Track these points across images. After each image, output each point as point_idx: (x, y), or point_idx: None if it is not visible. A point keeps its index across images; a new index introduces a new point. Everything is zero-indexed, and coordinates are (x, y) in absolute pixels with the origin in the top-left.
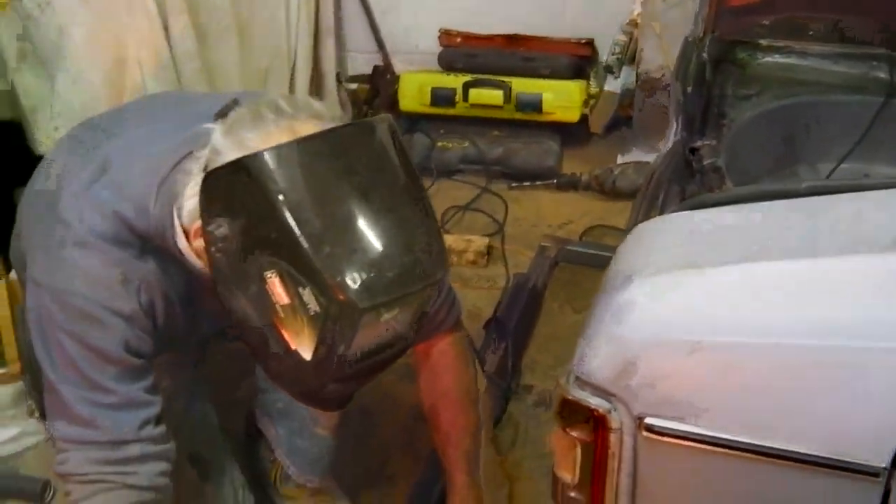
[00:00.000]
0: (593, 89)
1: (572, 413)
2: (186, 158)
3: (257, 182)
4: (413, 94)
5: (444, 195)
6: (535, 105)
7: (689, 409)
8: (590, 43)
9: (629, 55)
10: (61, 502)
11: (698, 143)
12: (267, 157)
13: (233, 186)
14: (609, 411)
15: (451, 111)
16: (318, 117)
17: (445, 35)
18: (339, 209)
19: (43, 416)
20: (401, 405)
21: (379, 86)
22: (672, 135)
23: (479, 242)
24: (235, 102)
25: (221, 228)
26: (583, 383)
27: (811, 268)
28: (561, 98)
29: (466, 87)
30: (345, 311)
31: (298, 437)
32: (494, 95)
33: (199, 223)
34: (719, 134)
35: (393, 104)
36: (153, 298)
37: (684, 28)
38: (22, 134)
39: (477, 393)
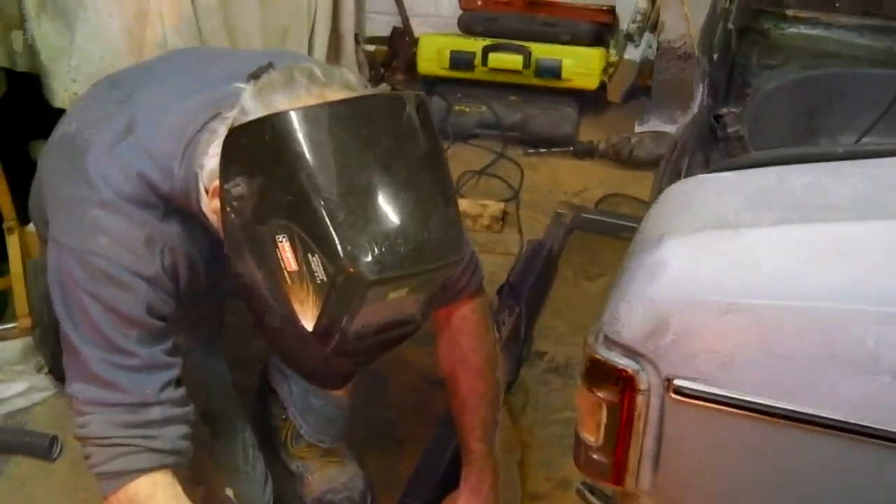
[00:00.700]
0: (613, 57)
1: (599, 373)
2: (214, 119)
3: (280, 141)
4: (431, 57)
5: (459, 159)
6: (555, 71)
7: (719, 371)
8: (611, 10)
9: (650, 23)
10: (68, 459)
11: (723, 111)
12: (292, 116)
13: (255, 145)
14: (637, 372)
15: (469, 75)
16: (350, 88)
17: None
18: (359, 178)
19: (51, 372)
20: (413, 369)
21: (397, 48)
22: (696, 102)
23: (495, 207)
24: (270, 65)
25: (238, 188)
26: (611, 343)
27: (849, 231)
28: (580, 65)
29: (486, 51)
30: (352, 282)
31: (313, 395)
32: (514, 60)
33: (216, 183)
34: (743, 102)
35: (411, 67)
36: (176, 261)
37: None
38: (39, 86)
39: (496, 360)
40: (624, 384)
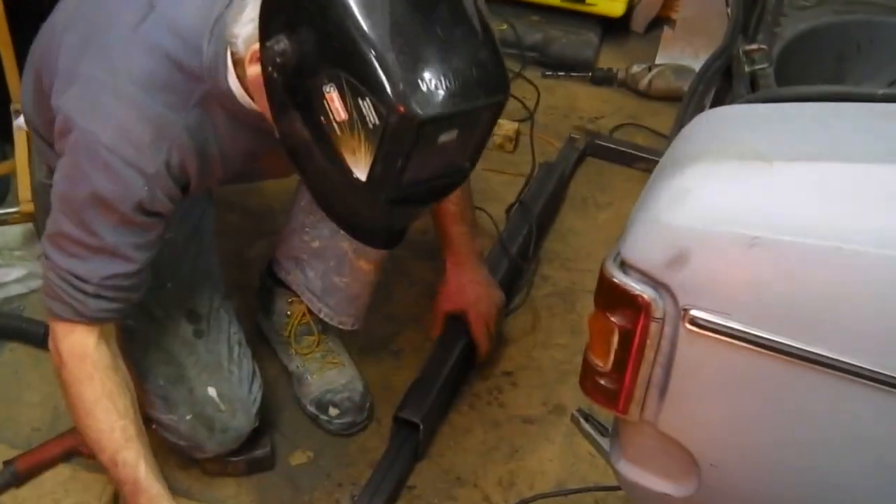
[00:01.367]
0: None
1: (614, 297)
2: None
3: None
4: None
5: None
6: None
7: (738, 305)
8: None
9: None
10: None
11: (753, 47)
12: None
13: None
14: (653, 300)
15: None
16: None
17: None
18: (405, 18)
19: None
20: (414, 282)
21: None
22: (725, 36)
23: (508, 127)
24: None
25: (281, 44)
26: (629, 268)
27: (886, 174)
28: None
29: None
30: (405, 122)
31: (336, 274)
32: None
33: (255, 47)
34: (772, 41)
35: None
36: (185, 160)
37: None
38: None
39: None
40: (638, 311)
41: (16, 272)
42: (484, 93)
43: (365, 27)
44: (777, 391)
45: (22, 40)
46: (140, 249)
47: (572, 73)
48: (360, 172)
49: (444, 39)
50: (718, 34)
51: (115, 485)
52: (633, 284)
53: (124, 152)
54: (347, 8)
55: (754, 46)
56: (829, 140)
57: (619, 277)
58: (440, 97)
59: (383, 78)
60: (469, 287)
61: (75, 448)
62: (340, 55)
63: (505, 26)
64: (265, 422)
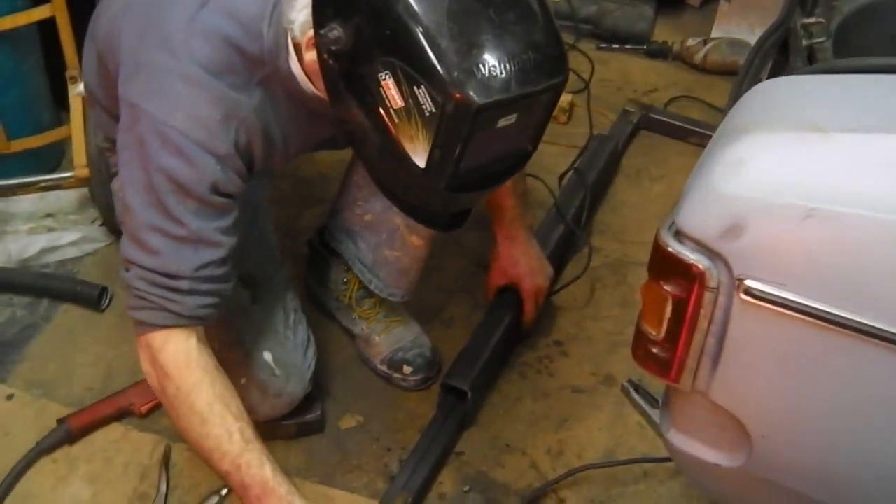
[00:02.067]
0: None
1: (668, 266)
2: None
3: None
4: None
5: None
6: None
7: (793, 276)
8: None
9: None
10: (116, 311)
11: (811, 20)
12: None
13: None
14: (708, 269)
15: None
16: None
17: None
18: (459, 3)
19: (105, 224)
20: (466, 250)
21: None
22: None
23: (563, 98)
24: None
25: (335, 31)
26: (684, 237)
27: None
28: None
29: None
30: (461, 109)
31: (387, 247)
32: None
33: (311, 33)
34: (830, 15)
35: None
36: (251, 139)
37: None
38: None
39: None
40: (692, 280)
41: (70, 235)
42: (541, 76)
43: (417, 13)
44: (831, 363)
45: (78, 9)
46: (224, 233)
47: (627, 46)
48: (419, 159)
49: (498, 23)
50: (774, 8)
51: (238, 490)
52: (688, 254)
53: (196, 135)
54: None
55: (812, 20)
56: (888, 112)
57: (674, 246)
58: (496, 83)
59: (437, 65)
60: (522, 260)
61: (127, 408)
62: (394, 43)
63: None
64: (316, 386)
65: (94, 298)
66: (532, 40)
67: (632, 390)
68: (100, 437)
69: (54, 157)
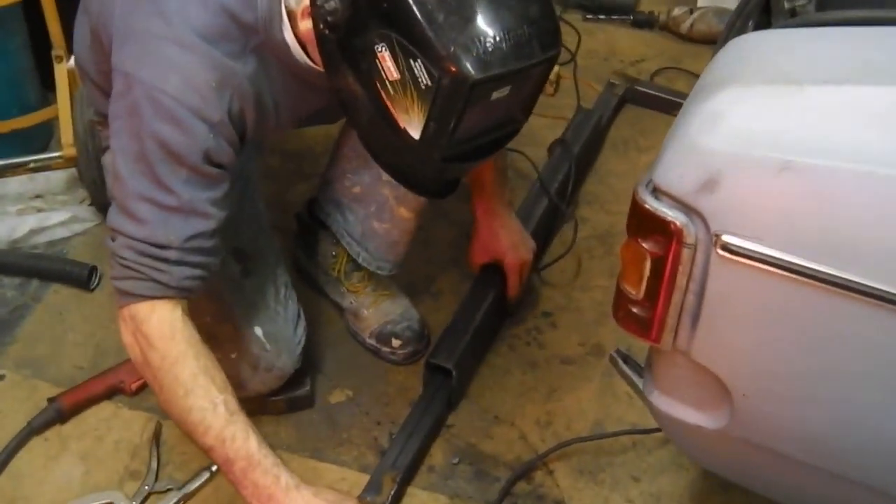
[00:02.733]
0: None
1: (646, 224)
2: None
3: None
4: None
5: None
6: None
7: (770, 230)
8: None
9: None
10: (106, 290)
11: None
12: None
13: None
14: (685, 225)
15: None
16: None
17: None
18: None
19: (93, 204)
20: (453, 223)
21: None
22: None
23: None
24: None
25: (331, 2)
26: (661, 194)
27: None
28: None
29: None
30: (457, 83)
31: (376, 219)
32: None
33: (306, 2)
34: None
35: None
36: (244, 107)
37: None
38: None
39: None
40: (670, 237)
41: (59, 216)
42: (536, 49)
43: None
44: (810, 318)
45: None
46: (214, 205)
47: (613, 17)
48: (414, 131)
49: None
50: None
51: (222, 465)
52: (665, 210)
53: (189, 100)
54: None
55: None
56: (862, 63)
57: (651, 203)
58: (492, 57)
59: (434, 39)
60: (503, 234)
61: (117, 386)
62: (390, 16)
63: None
64: (305, 361)
65: (83, 278)
66: (527, 14)
67: (620, 360)
68: (91, 416)
69: (42, 138)
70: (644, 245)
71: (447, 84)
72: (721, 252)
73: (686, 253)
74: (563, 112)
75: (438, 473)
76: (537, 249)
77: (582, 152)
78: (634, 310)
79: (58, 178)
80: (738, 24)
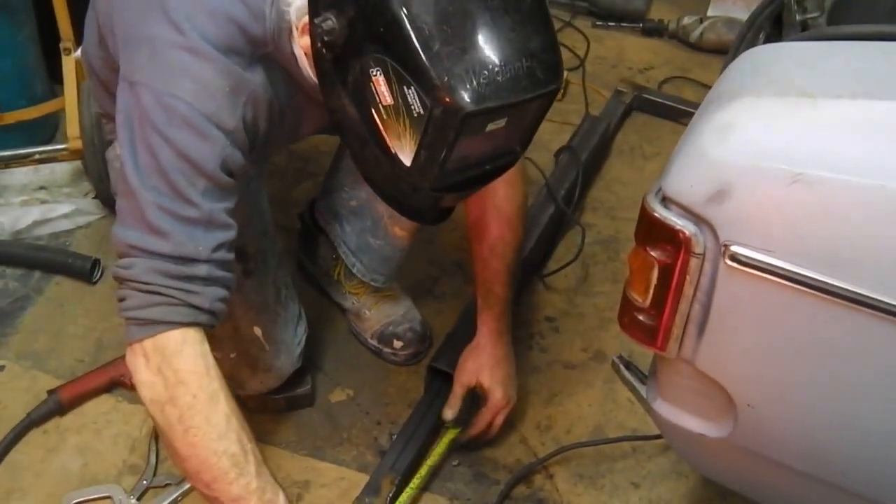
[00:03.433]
0: None
1: (655, 232)
2: None
3: None
4: None
5: None
6: None
7: (779, 242)
8: None
9: None
10: (108, 283)
11: None
12: None
13: None
14: (694, 235)
15: None
16: None
17: None
18: (454, 4)
19: (98, 197)
20: (458, 226)
21: None
22: None
23: None
24: None
25: (328, 22)
26: (670, 202)
27: None
28: None
29: None
30: (449, 114)
31: (371, 235)
32: None
33: (306, 19)
34: None
35: None
36: (257, 115)
37: None
38: None
39: (526, 211)
40: (679, 246)
41: (63, 208)
42: (534, 84)
43: (412, 13)
44: (817, 330)
45: None
46: (231, 216)
47: (622, 24)
48: (405, 158)
49: (494, 28)
50: None
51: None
52: (674, 219)
53: (204, 107)
54: None
55: None
56: (876, 78)
57: (660, 212)
58: (487, 90)
59: (428, 68)
60: (503, 365)
61: (118, 380)
62: (386, 41)
63: None
64: (306, 359)
65: (86, 271)
66: (527, 48)
67: (622, 366)
68: (90, 409)
69: (48, 129)
70: (652, 253)
71: (439, 114)
72: (729, 262)
73: (694, 262)
74: (570, 117)
75: (438, 475)
76: (544, 255)
77: (589, 160)
78: (640, 317)
79: (63, 170)
80: (749, 36)
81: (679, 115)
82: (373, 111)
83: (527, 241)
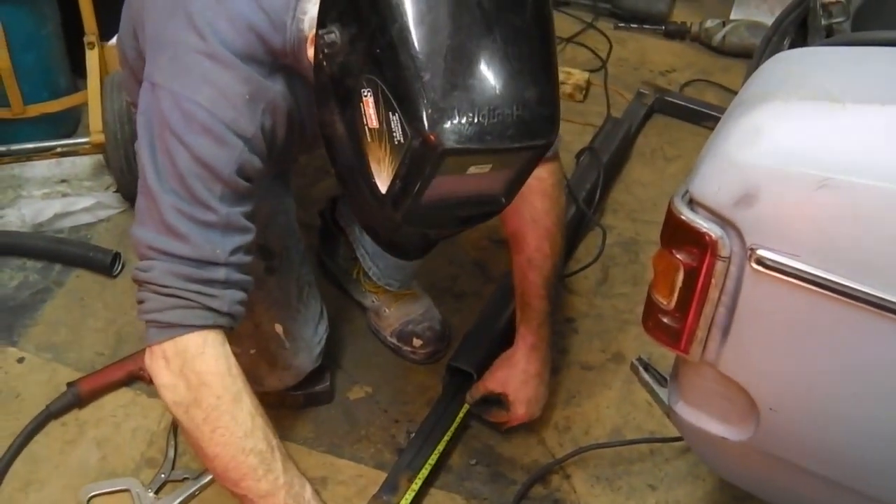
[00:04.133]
0: None
1: (680, 235)
2: None
3: None
4: None
5: None
6: None
7: (806, 246)
8: None
9: None
10: (128, 276)
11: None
12: None
13: None
14: (720, 238)
15: None
16: None
17: None
18: (454, 39)
19: (119, 191)
20: (479, 226)
21: None
22: None
23: (579, 76)
24: None
25: (332, 35)
26: (697, 205)
27: None
28: None
29: None
30: (427, 148)
31: None
32: None
33: (314, 31)
34: None
35: None
36: (276, 122)
37: None
38: None
39: (565, 224)
40: (704, 249)
41: (84, 201)
42: (521, 134)
43: (411, 41)
44: (842, 336)
45: None
46: (249, 219)
47: (645, 26)
48: (382, 184)
49: (491, 70)
50: None
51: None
52: (701, 222)
53: (223, 113)
54: (395, 14)
55: None
56: None
57: (687, 214)
58: (469, 131)
59: (414, 97)
60: (535, 382)
61: (137, 373)
62: (381, 64)
63: None
64: (326, 356)
65: (106, 264)
66: (521, 96)
67: (641, 368)
68: (109, 402)
69: (70, 123)
70: (677, 256)
71: (417, 146)
72: (755, 266)
73: (720, 265)
74: (592, 119)
75: (455, 474)
76: (564, 256)
77: (610, 161)
78: (665, 320)
79: (84, 163)
80: (774, 40)
81: (701, 118)
82: (359, 132)
83: None
